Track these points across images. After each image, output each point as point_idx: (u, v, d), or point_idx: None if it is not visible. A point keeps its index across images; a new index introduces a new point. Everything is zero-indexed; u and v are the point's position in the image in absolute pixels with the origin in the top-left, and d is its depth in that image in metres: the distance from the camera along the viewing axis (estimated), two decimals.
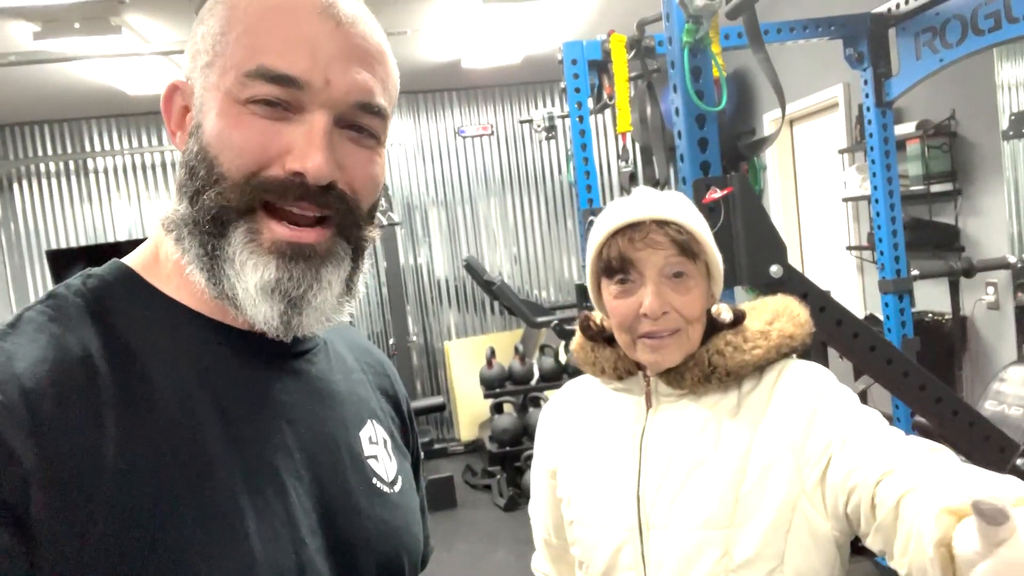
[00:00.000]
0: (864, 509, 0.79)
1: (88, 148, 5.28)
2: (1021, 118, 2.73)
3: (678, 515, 0.92)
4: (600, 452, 1.02)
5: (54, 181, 5.27)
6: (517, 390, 4.58)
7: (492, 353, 4.62)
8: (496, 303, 5.28)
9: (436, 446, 5.42)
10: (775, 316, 0.99)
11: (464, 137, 5.63)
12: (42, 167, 5.25)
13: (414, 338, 5.66)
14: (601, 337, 1.06)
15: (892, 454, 0.80)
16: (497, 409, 4.61)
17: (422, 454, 0.87)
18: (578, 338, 1.10)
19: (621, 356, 1.03)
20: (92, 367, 0.54)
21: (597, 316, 1.09)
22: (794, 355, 1.00)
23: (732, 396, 0.96)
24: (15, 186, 5.22)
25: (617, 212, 0.96)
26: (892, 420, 2.78)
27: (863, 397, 3.36)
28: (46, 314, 0.57)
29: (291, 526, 0.59)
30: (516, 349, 4.65)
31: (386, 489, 0.69)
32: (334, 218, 0.60)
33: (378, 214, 0.67)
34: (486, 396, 4.60)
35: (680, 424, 0.97)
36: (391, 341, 5.33)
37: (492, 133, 5.67)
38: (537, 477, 1.13)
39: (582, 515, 1.01)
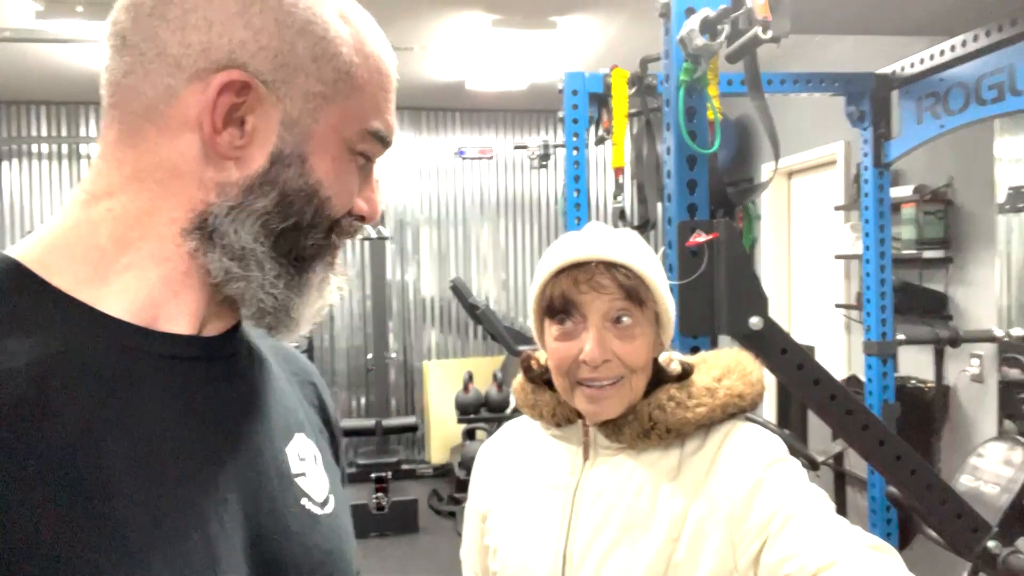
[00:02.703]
0: None
1: (83, 133, 5.22)
2: (1018, 193, 2.71)
3: None
4: (531, 503, 0.96)
5: (45, 163, 5.20)
6: (491, 417, 4.51)
7: (470, 377, 4.56)
8: (479, 327, 5.22)
9: (404, 467, 5.31)
10: (725, 372, 0.93)
11: (463, 158, 5.60)
12: (34, 148, 5.18)
13: (393, 355, 5.58)
14: (542, 379, 1.00)
15: (832, 546, 0.74)
16: (469, 435, 4.54)
17: (346, 470, 0.80)
18: (520, 378, 1.04)
19: (561, 402, 0.96)
20: None
21: (542, 356, 1.02)
22: (743, 416, 0.94)
23: (673, 456, 0.90)
24: (4, 164, 5.15)
25: (563, 249, 0.91)
26: (867, 486, 2.72)
27: (839, 459, 3.30)
28: None
29: (210, 559, 0.52)
30: (495, 376, 4.59)
31: (317, 510, 0.63)
32: None
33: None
34: (459, 420, 4.52)
35: (616, 483, 0.91)
36: (369, 356, 5.25)
37: (491, 157, 5.64)
38: (469, 520, 1.07)
39: (506, 568, 0.95)
